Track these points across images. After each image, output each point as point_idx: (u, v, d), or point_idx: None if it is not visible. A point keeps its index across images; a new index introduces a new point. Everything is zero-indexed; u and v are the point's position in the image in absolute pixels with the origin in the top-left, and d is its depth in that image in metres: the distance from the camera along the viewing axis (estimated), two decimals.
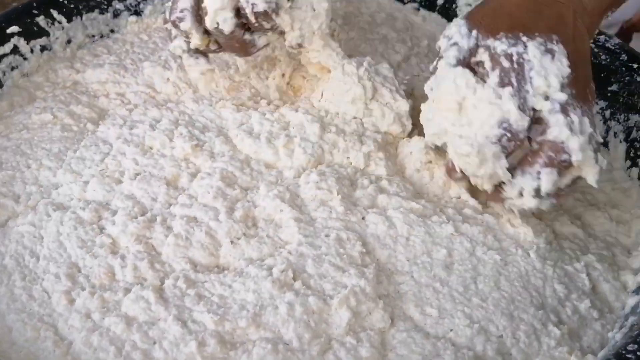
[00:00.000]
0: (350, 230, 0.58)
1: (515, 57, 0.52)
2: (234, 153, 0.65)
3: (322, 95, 0.70)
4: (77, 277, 0.54)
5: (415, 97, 0.72)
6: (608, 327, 0.55)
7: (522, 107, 0.51)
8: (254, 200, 0.60)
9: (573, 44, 0.53)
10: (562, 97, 0.51)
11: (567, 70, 0.51)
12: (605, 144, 0.73)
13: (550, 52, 0.52)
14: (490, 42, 0.54)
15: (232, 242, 0.56)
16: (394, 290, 0.54)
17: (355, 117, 0.68)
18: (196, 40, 0.66)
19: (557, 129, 0.51)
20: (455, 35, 0.55)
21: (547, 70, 0.51)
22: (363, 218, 0.59)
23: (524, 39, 0.52)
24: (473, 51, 0.54)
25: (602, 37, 0.78)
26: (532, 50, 0.52)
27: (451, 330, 0.52)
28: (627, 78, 0.73)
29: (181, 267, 0.55)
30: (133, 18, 0.85)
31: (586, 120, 0.51)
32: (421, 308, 0.53)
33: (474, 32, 0.54)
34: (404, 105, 0.68)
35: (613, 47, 0.76)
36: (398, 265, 0.56)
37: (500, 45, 0.53)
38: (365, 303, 0.51)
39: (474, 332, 0.52)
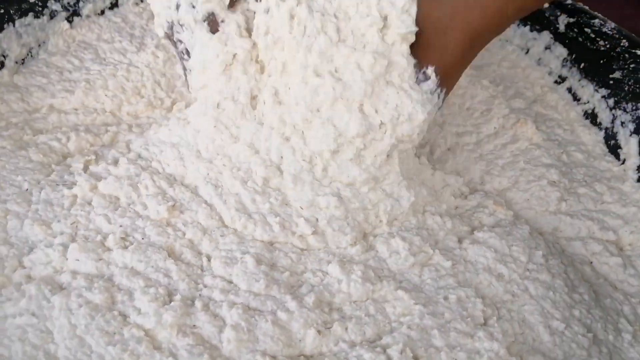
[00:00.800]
0: (466, 286, 0.51)
1: None
2: (236, 235, 0.52)
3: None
4: None
5: None
6: None
7: None
8: (326, 285, 0.49)
9: None
10: None
11: None
12: (613, 136, 0.70)
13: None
14: None
15: (318, 331, 0.46)
16: (519, 326, 0.50)
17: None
18: None
19: None
20: None
21: None
22: (465, 260, 0.54)
23: None
24: None
25: (597, 21, 0.74)
26: None
27: (573, 342, 0.50)
28: (632, 65, 0.69)
29: None
30: (65, 25, 0.71)
31: None
32: (550, 327, 0.50)
33: None
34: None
35: (611, 33, 0.72)
36: (514, 288, 0.52)
37: None
38: None
39: (590, 341, 0.50)
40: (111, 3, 0.75)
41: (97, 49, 0.71)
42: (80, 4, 0.71)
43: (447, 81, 0.55)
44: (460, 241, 0.56)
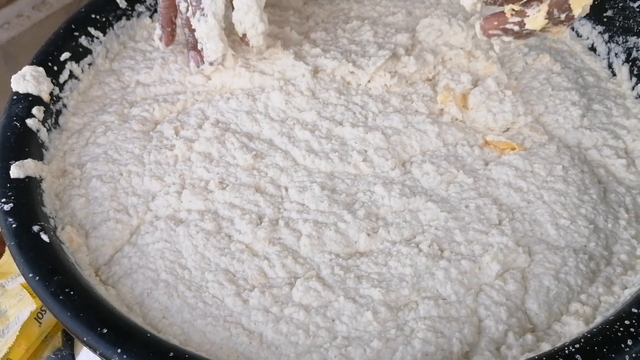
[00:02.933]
0: (485, 197, 0.68)
1: None
2: (306, 169, 0.70)
3: None
4: (237, 281, 0.61)
5: None
6: None
7: None
8: (374, 201, 0.67)
9: None
10: None
11: None
12: (610, 65, 0.86)
13: None
14: None
15: (368, 234, 0.64)
16: (530, 225, 0.65)
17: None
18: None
19: None
20: None
21: None
22: (487, 178, 0.70)
23: None
24: None
25: None
26: None
27: (576, 232, 0.64)
28: (620, 4, 0.84)
29: (325, 258, 0.62)
30: (148, 20, 0.90)
31: None
32: (557, 224, 0.64)
33: None
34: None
35: None
36: (530, 196, 0.67)
37: None
38: (510, 255, 0.62)
39: (590, 231, 0.64)
40: None
41: None
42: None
43: None
44: (487, 164, 0.73)
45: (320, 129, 0.75)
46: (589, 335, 0.53)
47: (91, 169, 0.72)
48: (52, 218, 0.66)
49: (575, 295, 0.61)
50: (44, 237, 0.60)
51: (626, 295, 0.61)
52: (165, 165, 0.73)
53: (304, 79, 0.79)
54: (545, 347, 0.56)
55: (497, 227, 0.65)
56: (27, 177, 0.67)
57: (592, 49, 0.89)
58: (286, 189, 0.70)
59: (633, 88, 0.82)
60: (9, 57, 1.08)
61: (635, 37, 0.83)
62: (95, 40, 0.83)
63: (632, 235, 0.66)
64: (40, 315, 0.73)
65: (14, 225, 0.61)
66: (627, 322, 0.53)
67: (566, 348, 0.52)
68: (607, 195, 0.71)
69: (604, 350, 0.51)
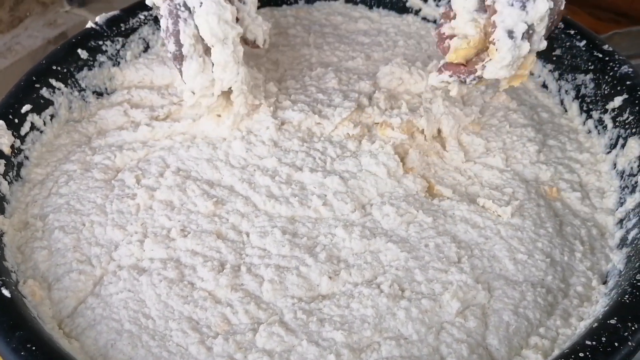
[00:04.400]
0: (444, 235, 0.70)
1: None
2: (267, 214, 0.72)
3: None
4: (201, 329, 0.62)
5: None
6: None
7: None
8: (335, 243, 0.69)
9: None
10: None
11: None
12: (561, 102, 0.90)
13: None
14: None
15: (330, 277, 0.66)
16: (488, 261, 0.67)
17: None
18: None
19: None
20: None
21: None
22: (446, 216, 0.72)
23: None
24: None
25: None
26: None
27: (533, 267, 0.66)
28: (567, 43, 0.88)
29: (288, 303, 0.64)
30: (112, 69, 0.92)
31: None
32: (514, 259, 0.67)
33: None
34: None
35: None
36: (487, 232, 0.69)
37: None
38: (470, 292, 0.64)
39: (547, 264, 0.67)
40: (144, 47, 0.95)
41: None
42: (121, 52, 0.91)
43: None
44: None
45: (280, 175, 0.76)
46: None
47: (53, 220, 0.73)
48: (14, 272, 0.66)
49: (534, 329, 0.63)
50: (5, 292, 0.61)
51: (582, 327, 0.63)
52: (127, 214, 0.73)
53: (268, 131, 0.80)
54: None
55: (456, 265, 0.67)
56: None
57: (544, 86, 0.92)
58: (247, 235, 0.71)
59: (584, 123, 0.86)
60: None
61: (583, 74, 0.86)
62: (56, 91, 0.84)
63: (587, 267, 0.68)
64: None
65: None
66: (581, 354, 0.55)
67: None
68: (563, 228, 0.73)
69: None
